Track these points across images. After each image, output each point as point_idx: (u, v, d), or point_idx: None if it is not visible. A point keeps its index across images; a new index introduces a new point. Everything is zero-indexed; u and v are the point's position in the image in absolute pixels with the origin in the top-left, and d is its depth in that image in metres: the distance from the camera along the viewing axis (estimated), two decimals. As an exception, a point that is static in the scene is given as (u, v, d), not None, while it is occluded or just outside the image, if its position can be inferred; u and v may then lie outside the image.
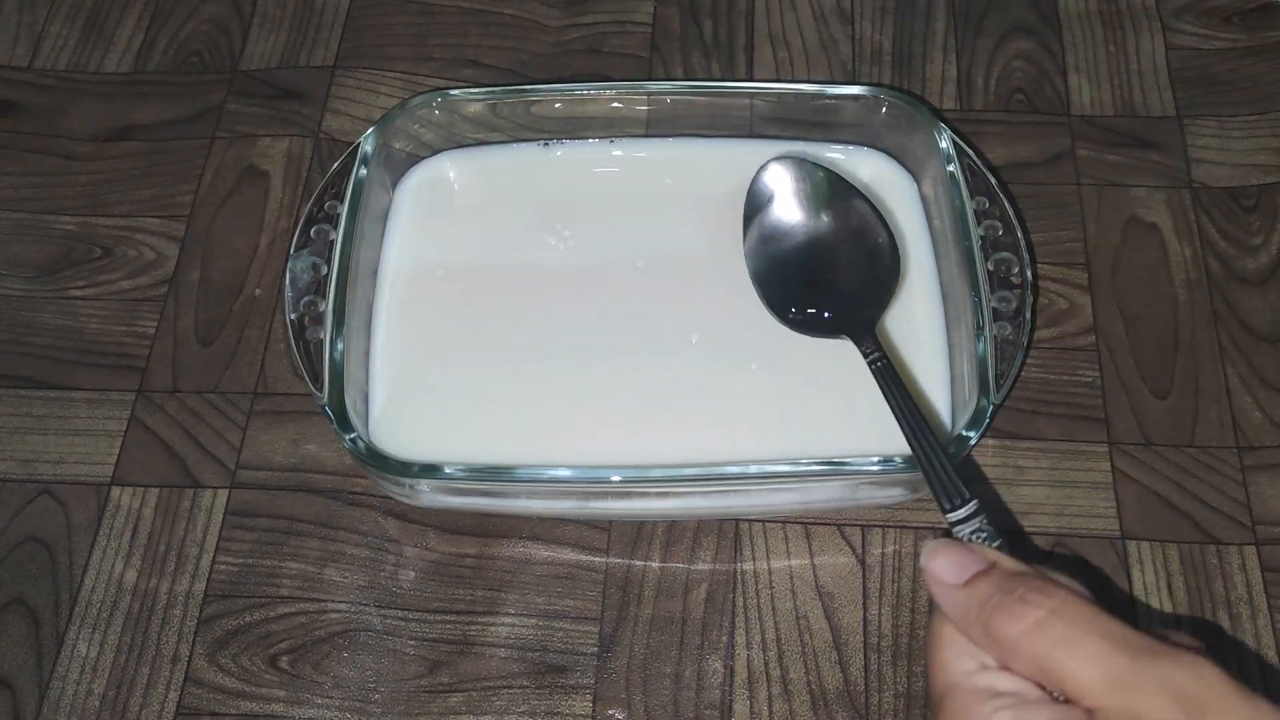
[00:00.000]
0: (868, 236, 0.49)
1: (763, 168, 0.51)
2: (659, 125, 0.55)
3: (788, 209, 0.50)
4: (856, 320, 0.46)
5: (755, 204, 0.51)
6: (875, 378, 0.43)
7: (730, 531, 0.49)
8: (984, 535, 0.36)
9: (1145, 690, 0.26)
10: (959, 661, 0.31)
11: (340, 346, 0.46)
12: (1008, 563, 0.32)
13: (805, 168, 0.51)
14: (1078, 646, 0.28)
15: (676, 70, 0.62)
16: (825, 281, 0.49)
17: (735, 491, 0.47)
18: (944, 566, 0.32)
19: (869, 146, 0.54)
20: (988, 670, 0.30)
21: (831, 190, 0.50)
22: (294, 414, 0.52)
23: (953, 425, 0.47)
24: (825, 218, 0.49)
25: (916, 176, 0.54)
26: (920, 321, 0.50)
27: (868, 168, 0.54)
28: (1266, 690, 0.45)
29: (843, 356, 0.48)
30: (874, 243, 0.49)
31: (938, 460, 0.39)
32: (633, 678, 0.46)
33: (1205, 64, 0.61)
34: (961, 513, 0.36)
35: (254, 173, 0.59)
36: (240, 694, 0.46)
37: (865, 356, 0.44)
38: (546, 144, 0.55)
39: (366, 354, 0.50)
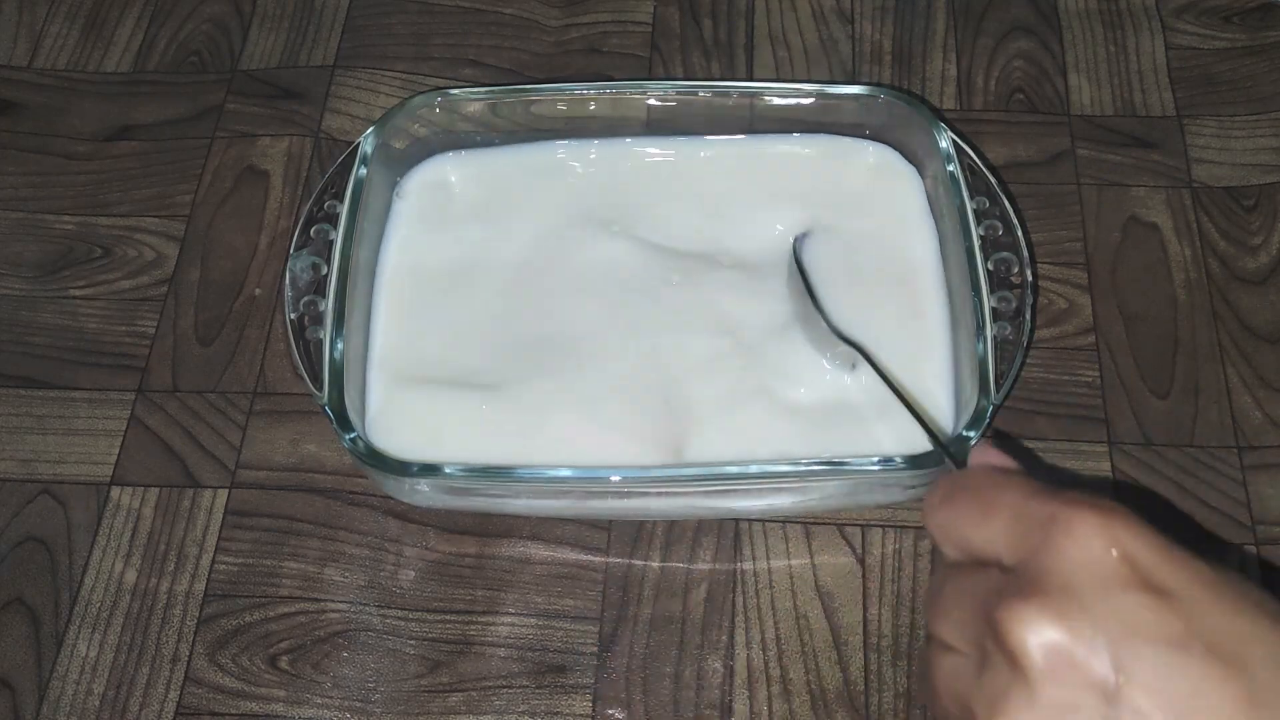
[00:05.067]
0: None
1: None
2: (659, 125, 0.55)
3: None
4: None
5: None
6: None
7: (730, 531, 0.49)
8: None
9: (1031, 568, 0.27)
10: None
11: (340, 346, 0.46)
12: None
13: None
14: (981, 520, 0.29)
15: (676, 70, 0.62)
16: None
17: (735, 491, 0.47)
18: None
19: (874, 140, 0.55)
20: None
21: None
22: (294, 414, 0.52)
23: (953, 425, 0.47)
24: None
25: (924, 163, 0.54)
26: (920, 321, 0.50)
27: (872, 157, 0.54)
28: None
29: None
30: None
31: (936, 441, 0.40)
32: (632, 677, 0.46)
33: (1205, 64, 0.61)
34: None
35: (254, 172, 0.59)
36: (240, 694, 0.46)
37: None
38: (546, 144, 0.55)
39: (364, 353, 0.50)
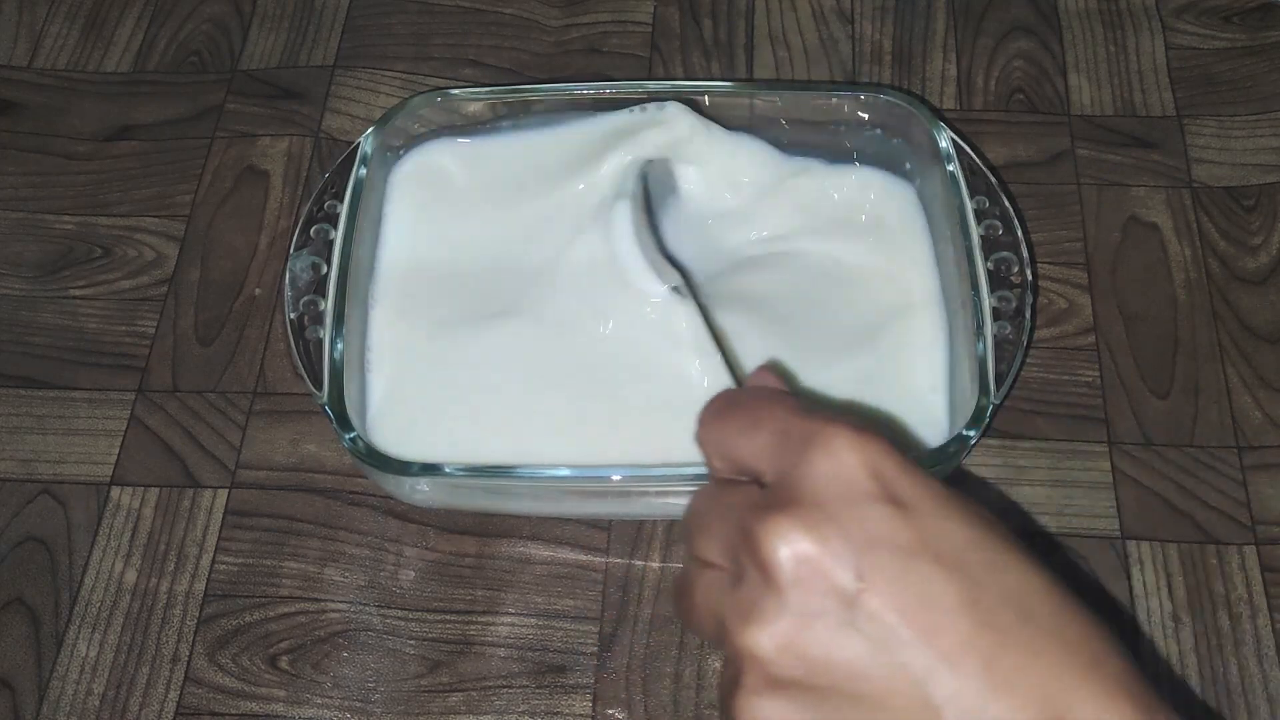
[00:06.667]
0: None
1: None
2: (659, 124, 0.55)
3: None
4: None
5: None
6: None
7: (730, 531, 0.49)
8: None
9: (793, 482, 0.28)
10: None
11: (340, 346, 0.46)
12: None
13: None
14: (749, 432, 0.31)
15: (676, 70, 0.62)
16: None
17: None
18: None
19: (861, 156, 0.54)
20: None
21: None
22: (294, 414, 0.52)
23: (952, 425, 0.47)
24: None
25: (916, 176, 0.53)
26: (920, 321, 0.50)
27: (859, 174, 0.54)
28: (1266, 688, 0.45)
29: (846, 360, 0.48)
30: None
31: None
32: (633, 677, 0.46)
33: (1205, 64, 0.61)
34: None
35: (254, 172, 0.59)
36: (240, 694, 0.46)
37: None
38: (546, 143, 0.55)
39: (363, 352, 0.50)
